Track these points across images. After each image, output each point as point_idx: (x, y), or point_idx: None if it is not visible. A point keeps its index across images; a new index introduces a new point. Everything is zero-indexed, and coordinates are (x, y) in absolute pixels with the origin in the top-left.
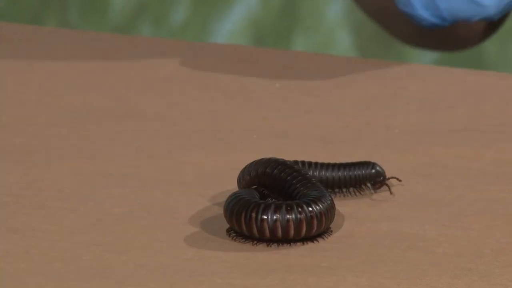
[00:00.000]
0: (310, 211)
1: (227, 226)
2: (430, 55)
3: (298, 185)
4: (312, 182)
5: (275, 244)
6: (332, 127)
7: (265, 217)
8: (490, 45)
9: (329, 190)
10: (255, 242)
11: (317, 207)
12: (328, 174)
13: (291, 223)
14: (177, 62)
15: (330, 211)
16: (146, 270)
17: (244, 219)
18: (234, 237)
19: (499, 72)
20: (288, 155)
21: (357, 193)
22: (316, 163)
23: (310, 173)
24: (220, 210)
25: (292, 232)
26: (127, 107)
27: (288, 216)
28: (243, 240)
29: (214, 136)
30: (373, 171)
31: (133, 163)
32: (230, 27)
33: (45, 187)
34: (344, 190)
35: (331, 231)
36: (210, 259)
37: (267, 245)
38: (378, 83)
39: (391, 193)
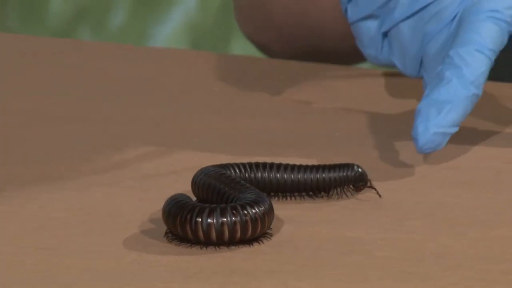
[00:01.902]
0: (245, 214)
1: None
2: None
3: (227, 188)
4: (247, 186)
5: (217, 247)
6: (274, 131)
7: (199, 219)
8: None
9: (310, 193)
10: (191, 245)
11: (253, 210)
12: (312, 176)
13: (225, 227)
14: (116, 66)
15: (267, 214)
16: (89, 274)
17: (179, 222)
18: (171, 240)
19: None
20: (230, 159)
21: (340, 196)
22: (299, 166)
23: (293, 176)
24: (159, 214)
25: (226, 235)
26: (67, 111)
27: (222, 219)
28: (180, 242)
29: (155, 140)
30: (357, 173)
31: (74, 166)
32: (168, 32)
33: None
34: (327, 193)
35: (271, 235)
36: (151, 263)
37: (215, 248)
38: (318, 87)
39: (379, 195)
